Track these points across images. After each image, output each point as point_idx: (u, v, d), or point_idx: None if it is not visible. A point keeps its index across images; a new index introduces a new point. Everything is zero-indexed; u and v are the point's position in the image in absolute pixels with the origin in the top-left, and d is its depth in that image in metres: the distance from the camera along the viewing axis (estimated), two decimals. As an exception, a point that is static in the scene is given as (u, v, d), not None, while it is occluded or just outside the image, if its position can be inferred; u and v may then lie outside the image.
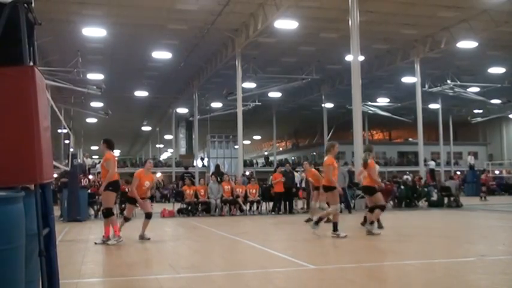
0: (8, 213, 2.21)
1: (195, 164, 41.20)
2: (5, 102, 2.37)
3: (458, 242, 8.96)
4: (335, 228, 9.36)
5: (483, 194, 24.53)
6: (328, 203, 9.88)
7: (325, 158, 9.68)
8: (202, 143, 43.98)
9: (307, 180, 17.70)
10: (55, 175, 17.03)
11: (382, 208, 10.02)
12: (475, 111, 47.73)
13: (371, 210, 9.98)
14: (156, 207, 19.34)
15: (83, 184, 16.24)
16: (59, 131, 35.06)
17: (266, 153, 64.53)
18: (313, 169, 14.94)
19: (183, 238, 10.79)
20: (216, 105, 40.44)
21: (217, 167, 22.87)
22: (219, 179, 17.67)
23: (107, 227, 9.01)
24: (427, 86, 32.18)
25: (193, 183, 17.99)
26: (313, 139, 58.38)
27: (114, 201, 9.61)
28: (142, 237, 9.41)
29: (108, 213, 9.01)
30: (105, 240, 8.88)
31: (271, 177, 20.65)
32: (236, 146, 30.53)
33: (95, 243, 8.85)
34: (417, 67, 28.27)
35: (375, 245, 9.09)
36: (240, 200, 17.09)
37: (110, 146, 9.11)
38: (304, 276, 5.83)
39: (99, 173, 21.77)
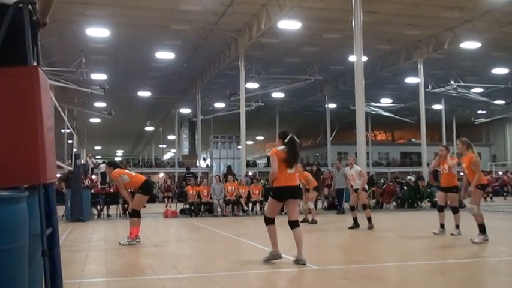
0: (11, 213, 2.22)
1: (198, 164, 41.22)
2: (8, 102, 2.37)
3: (461, 242, 8.93)
4: (483, 230, 8.33)
5: (506, 193, 25.18)
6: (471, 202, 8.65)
7: (471, 155, 8.60)
8: (205, 143, 44.00)
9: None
10: (58, 175, 17.06)
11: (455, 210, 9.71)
12: (479, 112, 47.67)
13: (454, 211, 9.72)
14: (159, 208, 19.43)
15: (85, 184, 16.28)
16: (62, 131, 35.14)
17: (269, 153, 64.59)
18: (306, 172, 14.44)
19: (186, 238, 10.80)
20: (219, 105, 40.51)
21: (229, 167, 23.10)
22: (231, 179, 17.73)
23: (133, 228, 8.90)
24: (430, 87, 32.14)
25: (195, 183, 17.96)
26: (316, 139, 58.35)
27: (144, 205, 9.36)
28: (298, 262, 6.35)
29: (132, 214, 8.89)
30: (130, 241, 8.76)
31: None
32: (239, 147, 30.52)
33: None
34: (420, 68, 28.24)
35: (378, 245, 9.09)
36: (242, 200, 17.07)
37: (114, 166, 9.20)
38: (307, 277, 5.83)
39: (102, 173, 21.84)
